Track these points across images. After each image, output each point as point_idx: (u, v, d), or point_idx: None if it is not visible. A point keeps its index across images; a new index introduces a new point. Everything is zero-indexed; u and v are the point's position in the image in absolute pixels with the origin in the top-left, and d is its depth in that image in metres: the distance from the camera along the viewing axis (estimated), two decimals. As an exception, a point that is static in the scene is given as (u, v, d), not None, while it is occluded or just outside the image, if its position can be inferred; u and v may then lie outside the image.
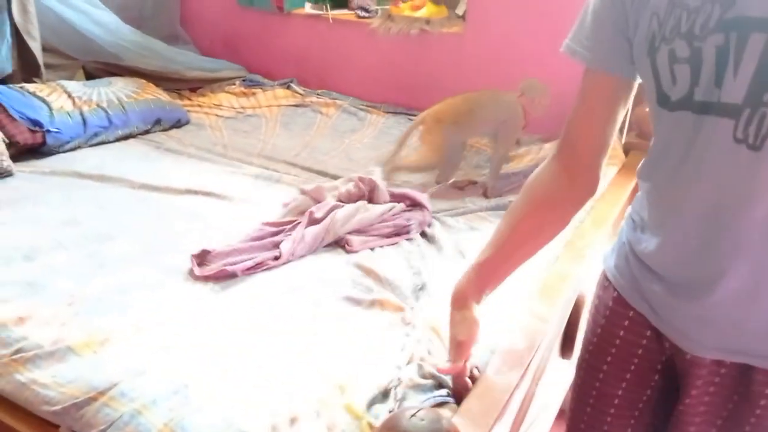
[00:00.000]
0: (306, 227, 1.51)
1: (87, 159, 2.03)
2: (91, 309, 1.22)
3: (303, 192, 1.70)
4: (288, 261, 1.44)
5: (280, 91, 2.68)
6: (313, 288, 1.35)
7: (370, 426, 0.95)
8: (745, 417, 0.85)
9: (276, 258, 1.43)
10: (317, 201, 1.64)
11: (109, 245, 1.49)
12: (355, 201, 1.64)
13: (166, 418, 0.93)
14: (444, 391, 1.02)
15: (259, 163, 2.07)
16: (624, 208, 1.68)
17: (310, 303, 1.30)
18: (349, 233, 1.54)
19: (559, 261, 1.38)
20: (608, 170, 1.76)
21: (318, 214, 1.54)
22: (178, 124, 2.39)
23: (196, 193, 1.81)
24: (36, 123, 2.00)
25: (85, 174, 1.90)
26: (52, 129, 2.03)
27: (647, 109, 1.87)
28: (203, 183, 1.86)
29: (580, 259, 1.39)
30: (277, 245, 1.47)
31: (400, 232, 1.57)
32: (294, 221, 1.57)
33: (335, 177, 1.96)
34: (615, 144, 1.85)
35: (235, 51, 2.91)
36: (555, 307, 1.22)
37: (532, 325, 1.14)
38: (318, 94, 2.65)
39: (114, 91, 2.31)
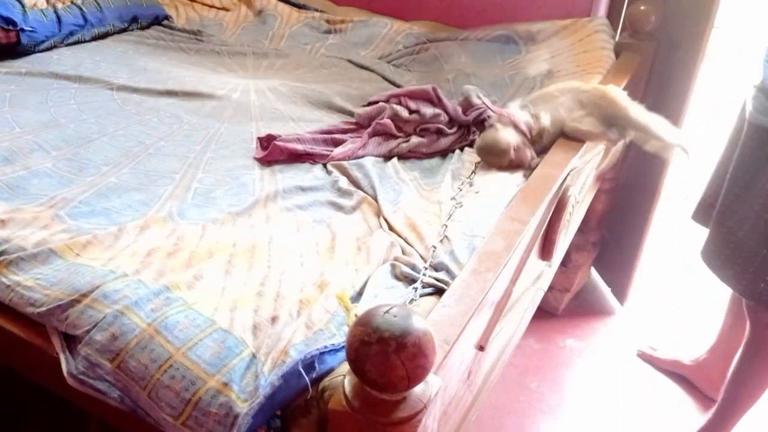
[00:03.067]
0: (373, 137, 1.54)
1: (63, 59, 1.96)
2: (72, 212, 1.22)
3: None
4: (341, 160, 1.47)
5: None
6: (296, 194, 1.36)
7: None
8: None
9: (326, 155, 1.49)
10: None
11: (90, 148, 1.48)
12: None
13: (149, 319, 0.95)
14: (418, 285, 1.05)
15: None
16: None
17: (294, 208, 1.31)
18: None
19: (542, 165, 1.38)
20: (592, 78, 1.70)
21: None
22: (157, 21, 2.30)
23: (176, 94, 1.77)
24: (9, 21, 1.92)
25: (62, 75, 1.84)
26: (26, 28, 1.95)
27: (642, 8, 1.82)
28: (185, 83, 1.82)
29: (563, 162, 1.38)
30: (338, 144, 1.51)
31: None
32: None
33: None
34: (605, 50, 1.79)
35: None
36: (535, 210, 1.22)
37: (511, 228, 1.16)
38: None
39: (88, -13, 2.20)
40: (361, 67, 2.04)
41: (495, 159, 1.40)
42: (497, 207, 1.25)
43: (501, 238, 1.12)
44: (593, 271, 2.48)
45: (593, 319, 2.33)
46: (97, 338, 0.94)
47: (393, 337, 0.71)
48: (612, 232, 2.30)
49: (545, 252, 1.41)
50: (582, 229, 2.08)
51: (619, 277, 2.39)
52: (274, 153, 1.48)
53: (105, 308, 0.97)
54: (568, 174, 1.38)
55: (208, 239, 1.18)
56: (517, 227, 1.16)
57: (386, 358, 0.70)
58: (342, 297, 1.02)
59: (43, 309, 1.00)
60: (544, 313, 2.27)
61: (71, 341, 0.99)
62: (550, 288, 2.01)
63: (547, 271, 1.57)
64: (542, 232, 1.35)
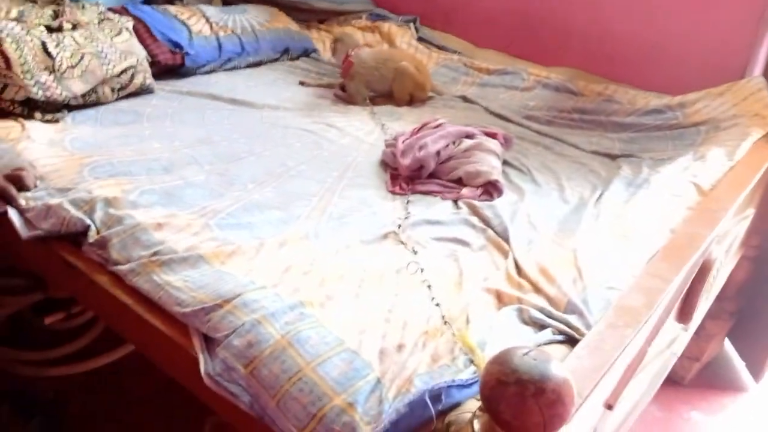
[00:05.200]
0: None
1: (220, 82, 2.12)
2: (220, 222, 1.30)
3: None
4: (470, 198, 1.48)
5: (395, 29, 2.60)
6: (424, 227, 1.37)
7: (481, 359, 0.96)
8: None
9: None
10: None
11: (239, 165, 1.57)
12: None
13: (283, 330, 0.99)
14: (548, 332, 1.02)
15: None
16: (766, 175, 1.55)
17: (423, 240, 1.32)
18: None
19: (689, 223, 1.31)
20: (753, 131, 1.62)
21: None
22: (305, 53, 2.44)
23: (319, 123, 1.86)
24: (176, 44, 2.11)
25: (218, 96, 1.99)
26: (190, 51, 2.13)
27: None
28: (328, 115, 1.91)
29: (712, 222, 1.31)
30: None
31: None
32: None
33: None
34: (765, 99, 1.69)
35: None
36: (678, 269, 1.16)
37: (652, 285, 1.10)
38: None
39: (248, 18, 2.39)
40: (497, 116, 2.03)
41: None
42: (637, 261, 1.19)
43: (641, 294, 1.07)
44: (727, 342, 2.29)
45: (723, 394, 2.15)
46: (235, 343, 0.99)
47: (532, 381, 0.69)
48: (752, 302, 2.13)
49: (684, 315, 1.33)
50: (719, 297, 1.94)
51: (755, 351, 2.19)
52: (405, 187, 1.51)
53: (244, 316, 1.02)
54: (716, 235, 1.30)
55: (340, 262, 1.21)
56: (659, 285, 1.10)
57: (523, 401, 0.69)
58: (463, 337, 1.01)
59: (188, 309, 1.06)
60: (669, 380, 2.11)
61: (210, 343, 1.05)
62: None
63: (683, 335, 1.47)
64: (683, 293, 1.27)
